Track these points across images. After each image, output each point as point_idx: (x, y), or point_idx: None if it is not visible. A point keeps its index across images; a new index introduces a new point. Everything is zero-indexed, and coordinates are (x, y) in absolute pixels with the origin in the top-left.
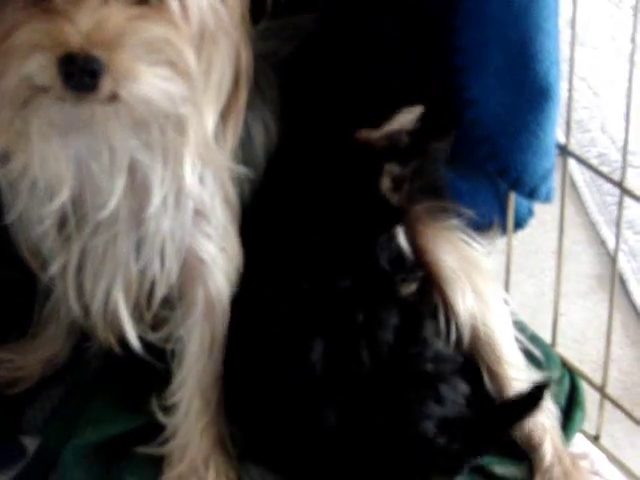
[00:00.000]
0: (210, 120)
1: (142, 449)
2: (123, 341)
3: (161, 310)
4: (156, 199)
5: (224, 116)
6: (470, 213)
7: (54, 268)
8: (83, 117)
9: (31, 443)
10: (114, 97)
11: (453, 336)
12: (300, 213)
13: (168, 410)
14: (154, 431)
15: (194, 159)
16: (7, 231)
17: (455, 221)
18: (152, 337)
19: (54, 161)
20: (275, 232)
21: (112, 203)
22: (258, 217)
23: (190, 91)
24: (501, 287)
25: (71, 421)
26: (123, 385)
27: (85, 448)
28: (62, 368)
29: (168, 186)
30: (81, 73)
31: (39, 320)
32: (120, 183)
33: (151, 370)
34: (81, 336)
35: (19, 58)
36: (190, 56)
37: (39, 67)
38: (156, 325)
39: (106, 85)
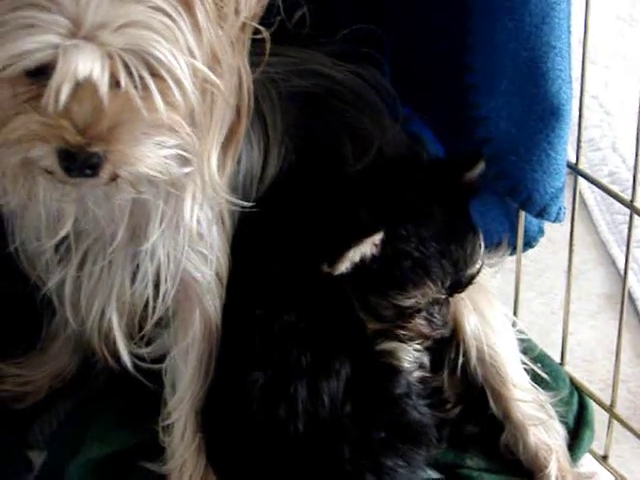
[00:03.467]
0: (214, 159)
1: (146, 465)
2: (118, 356)
3: (154, 328)
4: (155, 230)
5: (224, 145)
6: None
7: (50, 284)
8: (86, 189)
9: (37, 457)
10: (115, 177)
11: (460, 360)
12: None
13: (165, 430)
14: (159, 447)
15: (196, 193)
16: None
17: None
18: (144, 353)
19: (57, 203)
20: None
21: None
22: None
23: (193, 145)
24: (507, 307)
25: (77, 436)
26: (129, 401)
27: (91, 463)
28: (69, 383)
29: (168, 217)
30: (81, 167)
31: (46, 334)
32: (121, 220)
33: (157, 387)
34: (88, 351)
35: (21, 144)
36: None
37: (40, 155)
38: (148, 342)
39: (106, 171)
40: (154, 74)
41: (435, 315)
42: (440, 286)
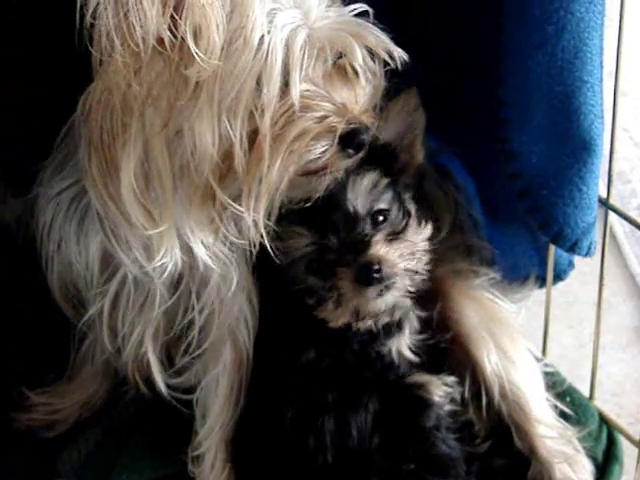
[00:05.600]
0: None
1: None
2: (150, 383)
3: (185, 357)
4: (202, 268)
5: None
6: (501, 269)
7: (92, 310)
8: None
9: None
10: None
11: (484, 399)
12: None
13: (195, 460)
14: (188, 477)
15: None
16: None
17: (480, 279)
18: (176, 383)
19: None
20: None
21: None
22: None
23: None
24: (536, 340)
25: (107, 465)
26: (159, 430)
27: None
28: (99, 412)
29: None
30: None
31: (75, 362)
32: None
33: (186, 416)
34: (118, 380)
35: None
36: None
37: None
38: (179, 371)
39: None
40: None
41: None
42: None
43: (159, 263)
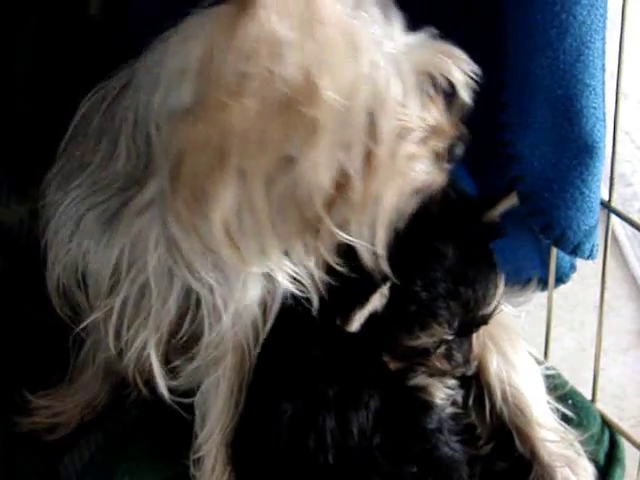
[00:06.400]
0: None
1: None
2: (150, 386)
3: (184, 360)
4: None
5: None
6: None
7: (98, 314)
8: None
9: None
10: None
11: (486, 403)
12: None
13: (196, 463)
14: None
15: None
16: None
17: None
18: (174, 384)
19: None
20: None
21: None
22: None
23: None
24: (537, 343)
25: (109, 468)
26: (161, 434)
27: None
28: (101, 415)
29: None
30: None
31: (75, 365)
32: None
33: (187, 419)
34: (120, 383)
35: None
36: None
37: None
38: (178, 373)
39: None
40: None
41: (455, 352)
42: (447, 327)
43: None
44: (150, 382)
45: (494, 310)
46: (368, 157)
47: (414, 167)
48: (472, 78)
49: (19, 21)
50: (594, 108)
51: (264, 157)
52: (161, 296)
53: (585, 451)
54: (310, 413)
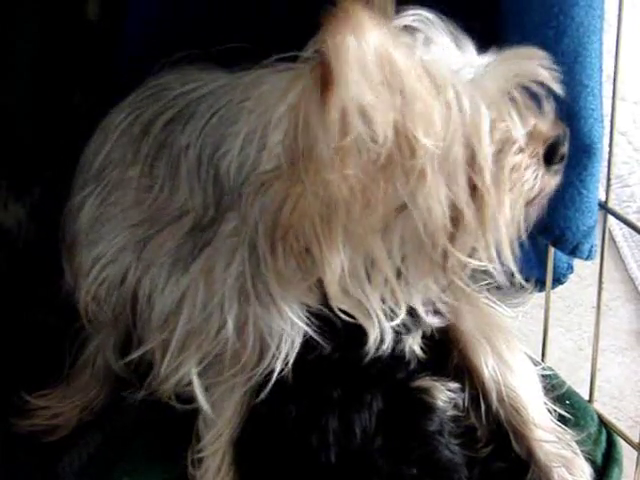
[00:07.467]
0: None
1: None
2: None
3: None
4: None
5: None
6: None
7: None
8: None
9: None
10: None
11: (482, 406)
12: None
13: (196, 463)
14: None
15: None
16: (49, 276)
17: (477, 284)
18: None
19: None
20: None
21: None
22: None
23: None
24: (535, 344)
25: (108, 469)
26: (160, 435)
27: None
28: (100, 415)
29: None
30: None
31: (75, 366)
32: None
33: (188, 420)
34: (120, 384)
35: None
36: None
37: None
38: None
39: None
40: None
41: None
42: None
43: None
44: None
45: None
46: (474, 185)
47: (521, 177)
48: (556, 71)
49: (18, 25)
50: (592, 109)
51: (373, 216)
52: (218, 326)
53: (582, 451)
54: (314, 414)
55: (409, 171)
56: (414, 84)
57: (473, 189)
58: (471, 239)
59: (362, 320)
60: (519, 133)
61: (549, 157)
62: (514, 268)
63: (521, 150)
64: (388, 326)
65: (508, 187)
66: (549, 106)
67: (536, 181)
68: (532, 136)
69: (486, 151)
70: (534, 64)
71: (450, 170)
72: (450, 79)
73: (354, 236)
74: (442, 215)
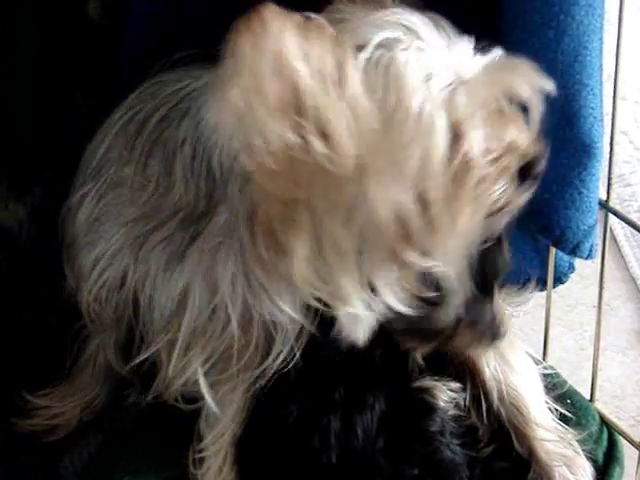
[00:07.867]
0: None
1: None
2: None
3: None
4: None
5: None
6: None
7: (159, 344)
8: None
9: None
10: None
11: (484, 405)
12: None
13: (197, 462)
14: None
15: None
16: (49, 276)
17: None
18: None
19: None
20: None
21: None
22: None
23: None
24: (536, 343)
25: (109, 469)
26: (161, 434)
27: None
28: (101, 415)
29: None
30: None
31: (75, 365)
32: None
33: (189, 420)
34: (121, 383)
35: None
36: None
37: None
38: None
39: None
40: None
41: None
42: None
43: None
44: (150, 385)
45: None
46: (425, 195)
47: (487, 189)
48: (544, 93)
49: (18, 25)
50: (592, 108)
51: (326, 206)
52: (223, 324)
53: (583, 450)
54: (316, 414)
55: (331, 175)
56: (314, 86)
57: (424, 199)
58: (428, 240)
59: (338, 308)
60: (494, 144)
61: (523, 173)
62: (464, 280)
63: (493, 162)
64: (368, 315)
65: (470, 196)
66: (534, 122)
67: (503, 195)
68: (510, 149)
69: (439, 162)
70: (519, 79)
71: (400, 174)
72: (413, 85)
73: (316, 221)
74: (388, 217)
